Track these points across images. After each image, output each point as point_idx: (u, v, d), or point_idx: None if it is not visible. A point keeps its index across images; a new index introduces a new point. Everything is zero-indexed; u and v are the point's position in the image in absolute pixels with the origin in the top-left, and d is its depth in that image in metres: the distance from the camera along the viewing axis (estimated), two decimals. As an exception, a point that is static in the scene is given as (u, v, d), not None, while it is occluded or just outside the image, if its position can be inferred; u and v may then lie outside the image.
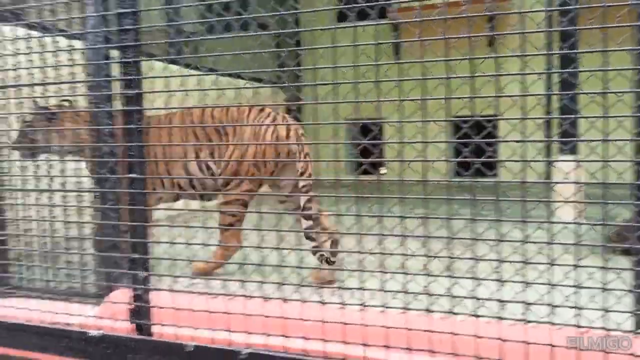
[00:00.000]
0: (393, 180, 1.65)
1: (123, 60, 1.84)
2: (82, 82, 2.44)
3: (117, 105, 2.30)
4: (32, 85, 2.31)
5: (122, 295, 1.98)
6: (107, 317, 1.94)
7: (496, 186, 1.47)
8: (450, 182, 1.71)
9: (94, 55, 2.17)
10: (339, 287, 1.73)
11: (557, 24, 1.97)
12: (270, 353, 1.65)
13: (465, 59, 1.47)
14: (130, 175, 1.88)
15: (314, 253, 3.07)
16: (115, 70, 1.99)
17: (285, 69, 1.71)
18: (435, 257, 1.53)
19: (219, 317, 1.76)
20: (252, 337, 1.71)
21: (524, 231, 1.42)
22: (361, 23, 1.62)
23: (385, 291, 1.59)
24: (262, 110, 3.49)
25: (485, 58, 1.50)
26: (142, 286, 1.88)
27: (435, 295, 1.55)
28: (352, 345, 1.58)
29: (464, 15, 1.45)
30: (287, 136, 3.30)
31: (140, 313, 1.90)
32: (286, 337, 1.64)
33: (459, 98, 1.48)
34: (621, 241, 3.59)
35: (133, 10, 1.82)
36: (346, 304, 1.66)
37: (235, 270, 3.30)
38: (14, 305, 2.11)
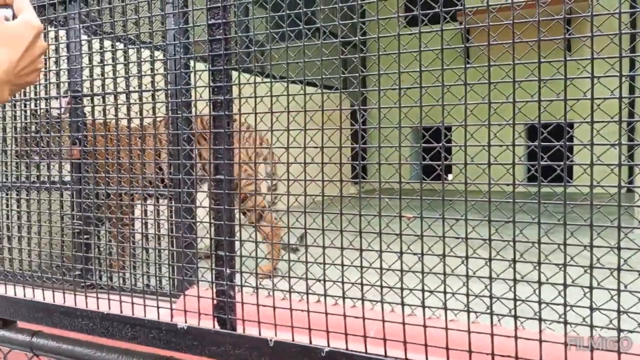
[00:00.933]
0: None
1: (214, 69, 1.98)
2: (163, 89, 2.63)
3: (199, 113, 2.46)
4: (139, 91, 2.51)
5: (200, 293, 2.11)
6: (193, 311, 2.08)
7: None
8: (527, 190, 1.70)
9: (173, 65, 2.34)
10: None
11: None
12: (350, 352, 1.71)
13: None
14: (219, 176, 2.03)
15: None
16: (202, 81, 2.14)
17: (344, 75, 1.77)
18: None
19: (300, 318, 1.83)
20: (331, 339, 1.77)
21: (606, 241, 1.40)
22: (426, 28, 1.65)
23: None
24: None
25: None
26: (227, 282, 2.00)
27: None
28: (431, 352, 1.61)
29: (533, 19, 1.45)
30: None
31: (223, 308, 2.02)
32: (366, 337, 1.70)
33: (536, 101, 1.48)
34: None
35: (224, 21, 1.95)
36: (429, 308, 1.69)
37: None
38: (107, 298, 2.30)
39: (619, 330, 1.37)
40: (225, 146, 2.01)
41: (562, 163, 1.44)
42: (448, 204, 1.61)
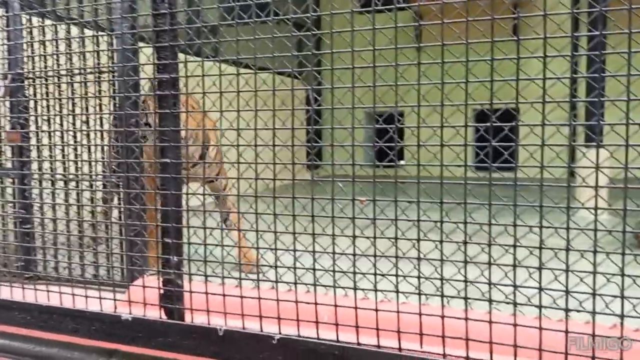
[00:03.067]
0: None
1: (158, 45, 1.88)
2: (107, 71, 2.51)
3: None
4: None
5: (148, 282, 2.04)
6: (138, 302, 2.01)
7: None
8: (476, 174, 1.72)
9: (121, 44, 2.23)
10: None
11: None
12: (301, 339, 1.69)
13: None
14: (164, 160, 1.93)
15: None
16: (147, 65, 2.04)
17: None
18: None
19: (251, 307, 1.80)
20: (283, 326, 1.75)
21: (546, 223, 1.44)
22: (380, 12, 1.63)
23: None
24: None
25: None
26: (174, 271, 1.93)
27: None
28: (383, 335, 1.62)
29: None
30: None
31: (171, 298, 1.95)
32: (318, 322, 1.69)
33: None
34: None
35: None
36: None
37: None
38: (45, 290, 2.19)
39: (567, 310, 1.42)
40: (172, 127, 1.92)
41: (511, 145, 1.46)
42: (401, 189, 1.62)
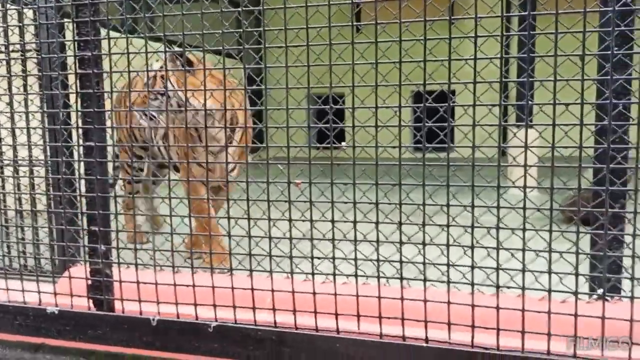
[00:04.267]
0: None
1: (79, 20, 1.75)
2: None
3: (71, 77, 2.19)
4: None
5: (80, 272, 1.94)
6: (65, 293, 1.90)
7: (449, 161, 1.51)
8: (406, 155, 1.74)
9: (44, 20, 2.07)
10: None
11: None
12: (239, 326, 1.66)
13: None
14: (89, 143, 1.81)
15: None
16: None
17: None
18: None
19: (185, 293, 1.74)
20: (219, 312, 1.70)
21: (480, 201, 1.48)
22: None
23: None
24: None
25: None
26: (102, 260, 1.83)
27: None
28: (322, 317, 1.61)
29: None
30: None
31: (99, 288, 1.85)
32: (255, 309, 1.66)
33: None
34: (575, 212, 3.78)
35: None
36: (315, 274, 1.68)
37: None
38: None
39: (497, 287, 1.46)
40: (95, 109, 1.79)
41: (445, 124, 1.48)
42: (340, 170, 1.61)
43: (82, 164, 1.85)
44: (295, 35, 1.64)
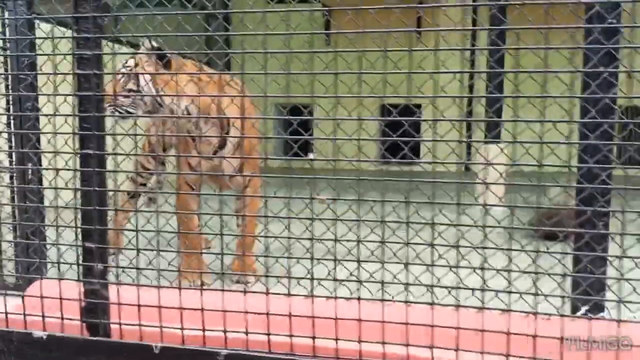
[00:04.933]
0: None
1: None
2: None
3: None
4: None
5: (47, 288, 1.79)
6: (31, 312, 1.77)
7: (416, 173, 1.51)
8: (379, 168, 1.74)
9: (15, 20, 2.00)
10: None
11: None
12: (252, 354, 1.53)
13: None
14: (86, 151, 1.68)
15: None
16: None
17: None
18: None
19: (191, 315, 1.62)
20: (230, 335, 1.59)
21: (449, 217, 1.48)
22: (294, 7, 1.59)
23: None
24: None
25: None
26: (99, 280, 1.68)
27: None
28: (344, 341, 1.53)
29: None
30: None
31: (94, 311, 1.71)
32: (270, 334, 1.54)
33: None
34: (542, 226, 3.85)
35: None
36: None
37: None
38: None
39: (457, 306, 1.46)
40: (95, 113, 1.65)
41: (410, 139, 1.48)
42: (309, 182, 1.58)
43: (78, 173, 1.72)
44: (265, 48, 1.62)
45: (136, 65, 2.61)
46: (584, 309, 1.49)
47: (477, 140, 4.80)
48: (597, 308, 1.70)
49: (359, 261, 1.48)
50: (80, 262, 1.71)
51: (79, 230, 1.70)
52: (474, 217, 1.52)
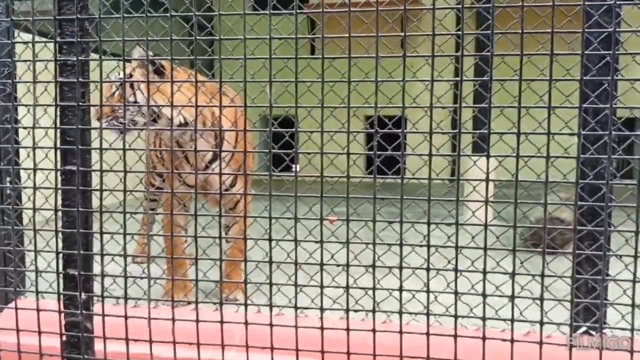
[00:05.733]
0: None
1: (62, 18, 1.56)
2: None
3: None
4: None
5: (23, 320, 1.63)
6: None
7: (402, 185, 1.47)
8: (365, 180, 1.69)
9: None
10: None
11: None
12: None
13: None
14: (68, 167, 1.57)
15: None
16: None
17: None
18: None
19: (185, 334, 1.48)
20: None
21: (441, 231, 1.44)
22: (276, 14, 1.55)
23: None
24: None
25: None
26: (82, 311, 1.54)
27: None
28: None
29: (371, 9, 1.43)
30: None
31: (77, 345, 1.58)
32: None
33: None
34: (537, 240, 3.84)
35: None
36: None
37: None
38: None
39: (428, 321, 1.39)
40: (79, 125, 1.52)
41: (399, 152, 1.44)
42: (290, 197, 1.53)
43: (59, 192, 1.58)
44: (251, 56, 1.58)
45: (130, 75, 2.52)
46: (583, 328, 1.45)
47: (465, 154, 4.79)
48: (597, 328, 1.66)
49: (347, 287, 1.41)
50: (61, 290, 1.57)
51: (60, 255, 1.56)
52: (472, 231, 1.48)
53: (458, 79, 1.20)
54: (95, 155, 1.56)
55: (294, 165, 1.65)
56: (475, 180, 1.38)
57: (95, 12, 1.53)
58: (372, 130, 1.29)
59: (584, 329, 1.50)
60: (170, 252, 2.71)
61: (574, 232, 1.23)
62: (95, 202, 1.54)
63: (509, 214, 1.45)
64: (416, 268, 1.40)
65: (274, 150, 1.42)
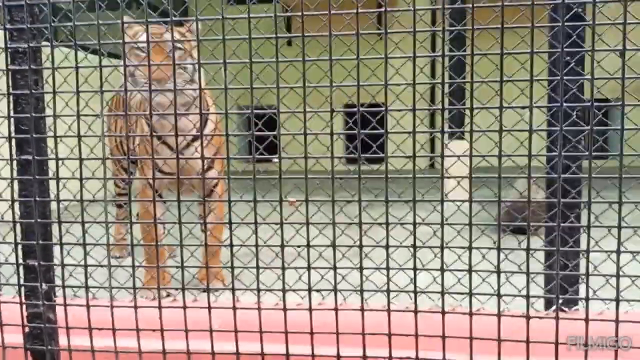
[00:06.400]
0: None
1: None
2: None
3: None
4: None
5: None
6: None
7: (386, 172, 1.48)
8: (343, 169, 1.71)
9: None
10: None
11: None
12: None
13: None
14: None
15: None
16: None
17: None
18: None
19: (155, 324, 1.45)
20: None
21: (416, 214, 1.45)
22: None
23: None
24: None
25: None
26: (44, 302, 1.53)
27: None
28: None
29: None
30: None
31: (39, 337, 1.56)
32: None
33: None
34: (511, 220, 3.92)
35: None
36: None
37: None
38: None
39: (415, 310, 1.41)
40: (33, 114, 1.50)
41: (377, 136, 1.45)
42: (271, 184, 1.54)
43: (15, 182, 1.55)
44: (229, 49, 1.57)
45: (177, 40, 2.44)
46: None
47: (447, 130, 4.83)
48: (571, 302, 1.71)
49: (335, 268, 1.43)
50: (22, 282, 1.54)
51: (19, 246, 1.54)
52: (445, 213, 1.50)
53: (438, 54, 1.21)
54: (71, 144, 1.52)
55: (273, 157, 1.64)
56: (453, 156, 1.39)
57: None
58: (354, 109, 1.29)
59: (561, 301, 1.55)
60: (149, 241, 2.72)
61: (556, 207, 1.25)
62: (67, 194, 1.52)
63: (483, 197, 1.48)
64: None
65: (256, 133, 1.42)
